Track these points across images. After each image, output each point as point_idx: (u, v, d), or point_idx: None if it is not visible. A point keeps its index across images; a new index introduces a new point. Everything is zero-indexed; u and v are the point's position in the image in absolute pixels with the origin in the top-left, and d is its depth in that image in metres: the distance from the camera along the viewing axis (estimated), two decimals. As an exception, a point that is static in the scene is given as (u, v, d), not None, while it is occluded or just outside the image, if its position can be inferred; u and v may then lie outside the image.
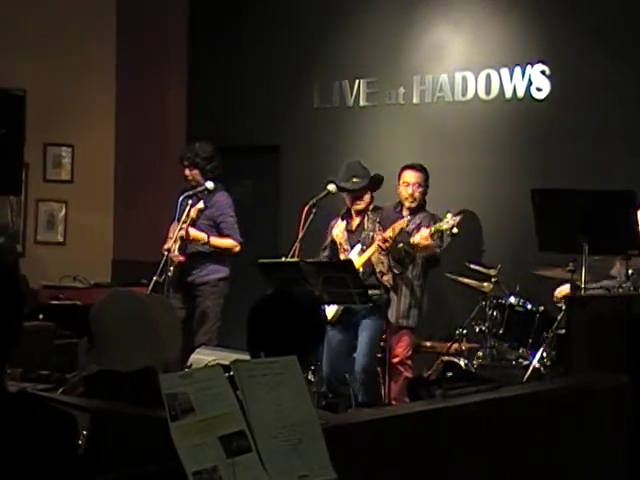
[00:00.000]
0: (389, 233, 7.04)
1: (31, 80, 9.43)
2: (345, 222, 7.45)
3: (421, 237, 7.36)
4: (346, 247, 7.35)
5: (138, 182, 10.10)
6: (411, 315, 7.73)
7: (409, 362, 7.76)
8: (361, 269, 7.06)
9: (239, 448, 2.16)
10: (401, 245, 7.25)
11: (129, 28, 10.28)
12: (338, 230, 7.44)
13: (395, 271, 7.29)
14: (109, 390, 3.17)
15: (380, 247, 7.06)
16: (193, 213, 7.43)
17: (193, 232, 7.48)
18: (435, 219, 7.64)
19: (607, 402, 3.96)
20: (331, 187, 7.17)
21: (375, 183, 7.39)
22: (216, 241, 7.57)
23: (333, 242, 7.48)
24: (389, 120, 9.22)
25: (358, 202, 7.33)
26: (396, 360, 7.64)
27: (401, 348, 7.68)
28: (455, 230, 7.26)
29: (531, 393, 3.95)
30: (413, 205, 7.74)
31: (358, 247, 7.26)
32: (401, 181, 7.82)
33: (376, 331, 7.22)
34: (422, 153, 8.92)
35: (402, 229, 7.11)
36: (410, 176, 7.81)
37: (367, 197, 7.34)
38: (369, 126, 9.28)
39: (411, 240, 7.39)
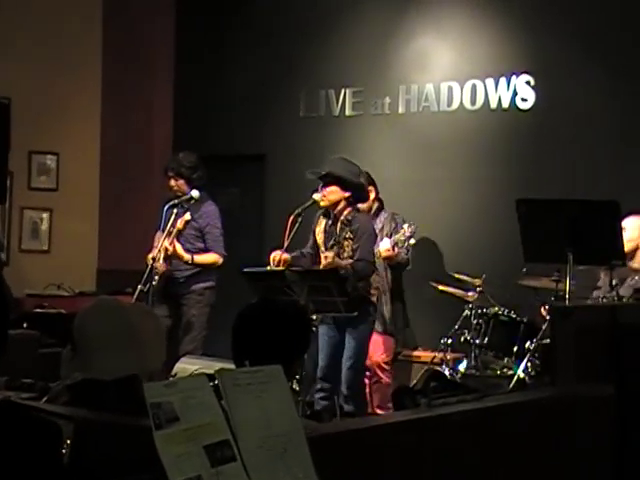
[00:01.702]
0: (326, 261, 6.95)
1: (16, 88, 9.40)
2: (325, 220, 7.22)
3: (384, 249, 7.47)
4: (322, 248, 7.18)
5: (124, 190, 10.09)
6: (397, 321, 7.79)
7: (387, 367, 7.79)
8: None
9: (223, 457, 2.15)
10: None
11: (115, 36, 10.27)
12: (319, 229, 7.24)
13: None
14: (93, 398, 3.16)
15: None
16: (180, 224, 7.43)
17: (180, 250, 7.48)
18: (395, 219, 7.73)
19: (592, 412, 3.96)
20: (316, 196, 7.11)
21: (342, 184, 7.00)
22: (200, 259, 7.58)
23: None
24: (375, 129, 9.23)
25: (322, 198, 7.04)
26: (376, 361, 7.67)
27: (378, 352, 7.70)
28: (412, 241, 7.38)
29: (516, 403, 3.95)
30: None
31: (331, 253, 7.07)
32: None
33: (361, 342, 7.16)
34: (407, 163, 8.95)
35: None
36: None
37: (332, 196, 7.00)
38: (355, 135, 9.29)
39: (375, 251, 7.44)
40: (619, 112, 8.09)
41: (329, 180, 7.03)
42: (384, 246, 7.53)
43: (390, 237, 7.61)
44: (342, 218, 7.06)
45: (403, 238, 7.42)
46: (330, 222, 7.14)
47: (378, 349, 7.70)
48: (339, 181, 7.01)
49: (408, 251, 7.75)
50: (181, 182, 7.70)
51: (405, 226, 7.44)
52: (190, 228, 7.54)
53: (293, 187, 8.83)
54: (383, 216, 7.91)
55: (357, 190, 7.11)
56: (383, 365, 7.79)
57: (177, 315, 7.65)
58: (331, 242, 7.07)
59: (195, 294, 7.64)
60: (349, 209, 7.07)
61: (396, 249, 7.59)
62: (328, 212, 7.19)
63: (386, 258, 7.60)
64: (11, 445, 2.33)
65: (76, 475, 2.44)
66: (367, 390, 7.80)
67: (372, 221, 7.61)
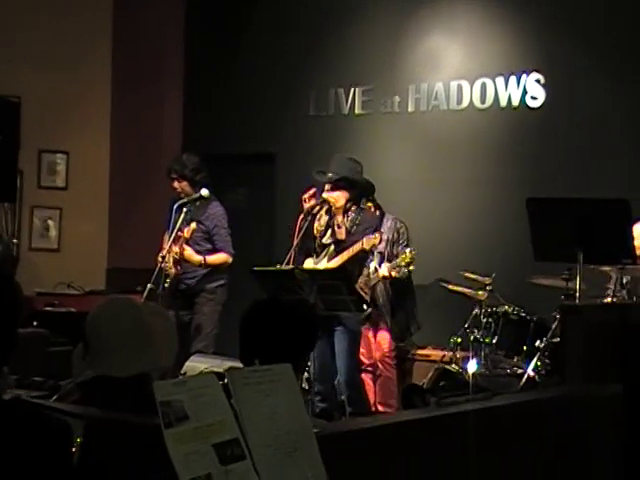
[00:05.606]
0: (364, 246, 6.81)
1: (26, 87, 9.42)
2: (328, 217, 7.15)
3: (382, 274, 7.50)
4: (320, 240, 7.12)
5: (133, 189, 10.10)
6: (402, 330, 7.86)
7: (390, 361, 7.79)
8: None
9: (233, 456, 2.15)
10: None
11: (126, 34, 10.28)
12: (319, 224, 7.16)
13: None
14: (104, 396, 3.16)
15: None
16: (187, 233, 7.42)
17: (191, 254, 7.47)
18: (398, 230, 7.79)
19: (601, 412, 3.95)
20: (326, 195, 7.10)
21: (353, 186, 7.03)
22: (211, 260, 7.58)
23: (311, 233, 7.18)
24: (384, 128, 9.23)
25: (330, 198, 7.02)
26: (378, 356, 7.67)
27: (379, 348, 7.71)
28: (411, 267, 7.38)
29: (525, 402, 3.95)
30: None
31: (331, 247, 7.04)
32: None
33: (352, 344, 7.13)
34: (417, 161, 8.94)
35: (374, 245, 6.92)
36: None
37: (341, 199, 6.99)
38: (364, 134, 9.28)
39: (374, 274, 7.51)
40: (629, 110, 8.07)
41: (338, 181, 7.03)
42: (382, 272, 7.55)
43: (390, 262, 7.61)
44: (349, 213, 7.05)
45: (404, 264, 7.39)
46: (339, 218, 7.13)
47: (378, 345, 7.73)
48: (346, 182, 7.02)
49: (409, 273, 7.78)
50: (184, 184, 7.71)
51: (407, 251, 7.38)
52: (198, 230, 7.54)
53: (303, 186, 8.82)
54: (386, 225, 7.85)
55: (362, 188, 7.17)
56: (385, 359, 7.80)
57: (189, 313, 7.65)
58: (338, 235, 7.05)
59: (207, 292, 7.64)
60: (355, 207, 7.08)
61: (394, 272, 7.59)
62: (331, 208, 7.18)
63: (385, 278, 7.62)
64: (21, 443, 2.33)
65: (86, 473, 2.45)
66: (371, 386, 7.81)
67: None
